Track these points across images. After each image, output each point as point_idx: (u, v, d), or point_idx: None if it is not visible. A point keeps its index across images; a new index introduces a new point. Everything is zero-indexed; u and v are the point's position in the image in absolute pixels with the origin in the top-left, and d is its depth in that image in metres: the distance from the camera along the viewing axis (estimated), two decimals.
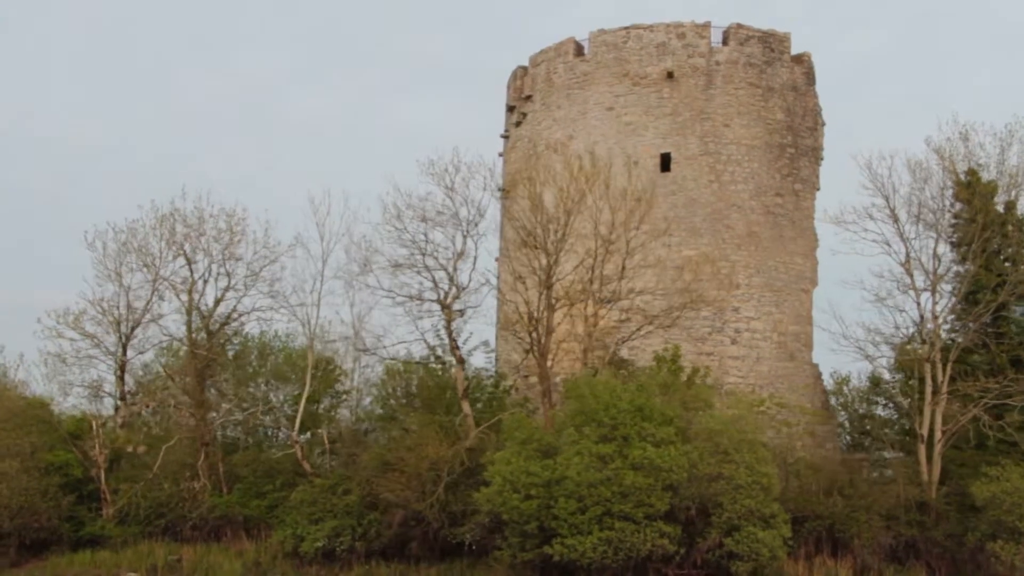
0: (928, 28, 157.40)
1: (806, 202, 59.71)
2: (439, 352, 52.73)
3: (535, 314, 49.45)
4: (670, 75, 58.96)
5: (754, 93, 59.40)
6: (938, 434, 48.40)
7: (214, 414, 54.87)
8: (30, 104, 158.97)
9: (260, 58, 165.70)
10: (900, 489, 47.18)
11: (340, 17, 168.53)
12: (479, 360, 55.91)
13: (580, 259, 49.64)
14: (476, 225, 50.50)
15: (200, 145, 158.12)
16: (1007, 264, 51.04)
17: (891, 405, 56.96)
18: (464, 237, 50.66)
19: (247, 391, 56.98)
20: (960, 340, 49.76)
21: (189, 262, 54.72)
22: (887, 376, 55.62)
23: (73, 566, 49.52)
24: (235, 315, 55.93)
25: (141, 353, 57.55)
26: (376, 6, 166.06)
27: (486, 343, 56.72)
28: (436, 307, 50.88)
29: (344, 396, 60.10)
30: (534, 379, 54.76)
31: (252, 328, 58.95)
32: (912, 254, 49.78)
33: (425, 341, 51.98)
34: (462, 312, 50.58)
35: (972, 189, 50.66)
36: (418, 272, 50.37)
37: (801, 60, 61.01)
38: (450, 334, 50.61)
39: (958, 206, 51.63)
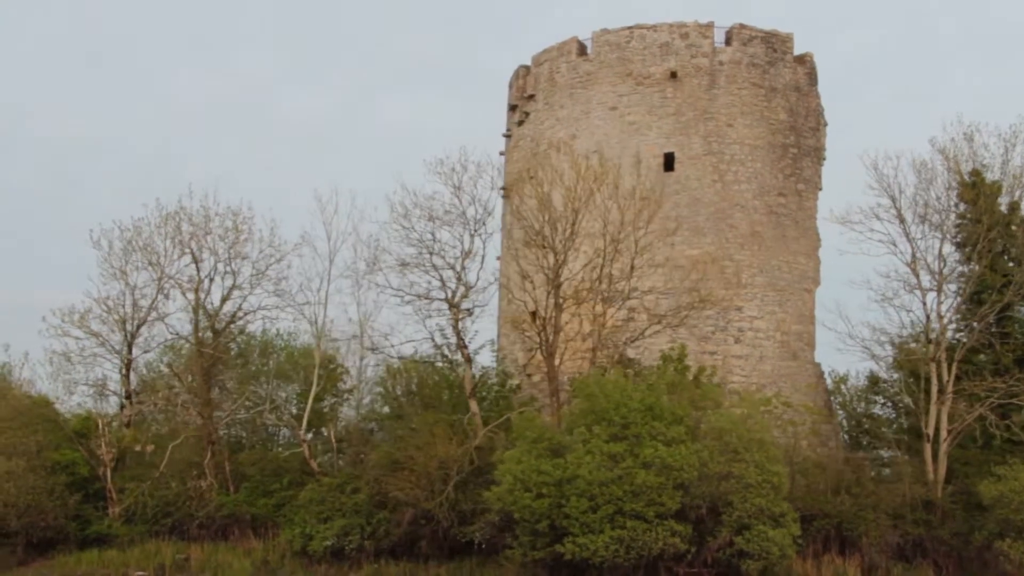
0: (918, 27, 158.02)
1: (809, 202, 59.93)
2: (445, 351, 52.79)
3: (543, 313, 49.53)
4: (673, 75, 59.14)
5: (757, 93, 59.60)
6: (944, 433, 48.65)
7: (219, 413, 54.72)
8: (28, 103, 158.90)
9: (256, 57, 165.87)
10: (906, 488, 47.41)
11: (332, 16, 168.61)
12: (483, 359, 56.10)
13: (589, 259, 49.76)
14: (484, 224, 50.57)
15: (195, 144, 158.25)
16: (1011, 264, 51.29)
17: (889, 404, 57.27)
18: (471, 236, 50.80)
19: (249, 390, 56.84)
20: (965, 340, 49.98)
21: (196, 261, 54.74)
22: (896, 375, 55.79)
23: (81, 565, 49.54)
24: (240, 313, 55.89)
25: (146, 352, 57.57)
26: (367, 4, 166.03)
27: (492, 342, 56.87)
28: (444, 306, 50.88)
29: (347, 395, 60.09)
30: (537, 378, 54.92)
31: (258, 327, 58.98)
32: (918, 254, 50.02)
33: (433, 340, 52.04)
34: (470, 311, 50.64)
35: (976, 190, 50.92)
36: (426, 271, 50.45)
37: (803, 60, 61.24)
38: (458, 333, 50.72)
39: (963, 207, 51.86)
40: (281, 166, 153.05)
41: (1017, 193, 51.69)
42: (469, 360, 50.98)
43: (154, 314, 55.79)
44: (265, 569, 47.88)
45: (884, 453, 56.45)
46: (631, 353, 52.33)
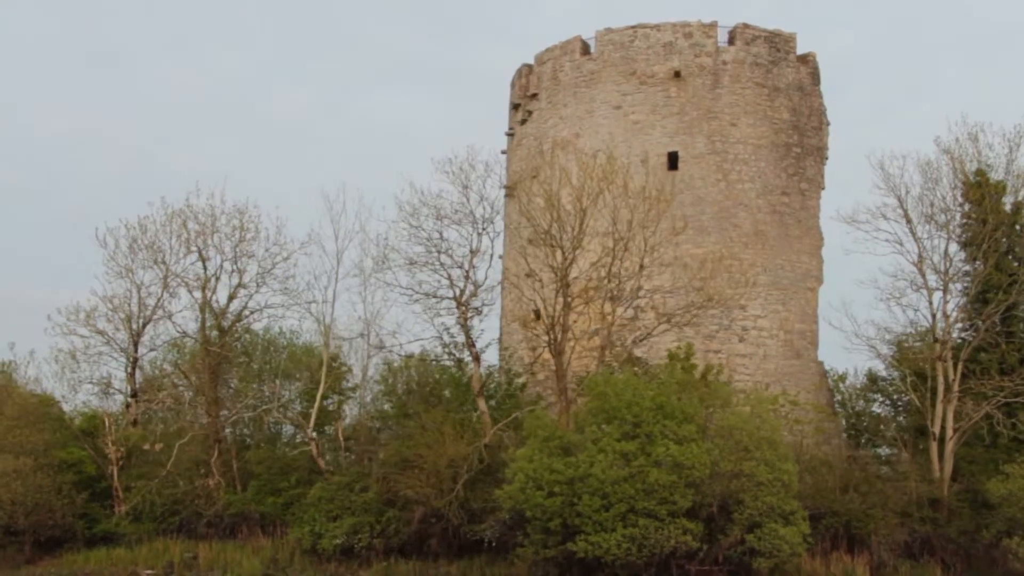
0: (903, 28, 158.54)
1: (812, 201, 60.23)
2: (453, 349, 52.83)
3: (551, 312, 49.62)
4: (677, 74, 59.35)
5: (760, 93, 59.83)
6: (950, 432, 48.92)
7: (225, 412, 54.69)
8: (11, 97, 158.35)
9: (241, 54, 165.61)
10: (913, 486, 47.66)
11: (315, 10, 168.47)
12: (488, 357, 56.15)
13: (598, 256, 49.88)
14: (492, 222, 50.66)
15: (181, 140, 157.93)
16: (1016, 264, 51.58)
17: (888, 402, 57.55)
18: (479, 235, 50.91)
19: (252, 388, 56.81)
20: (971, 339, 50.23)
21: (203, 259, 54.70)
22: (895, 373, 56.04)
23: (89, 563, 49.60)
24: (247, 312, 55.87)
25: (152, 350, 57.50)
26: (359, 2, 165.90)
27: (498, 340, 56.90)
28: (451, 304, 50.94)
29: (350, 393, 60.04)
30: (542, 376, 55.01)
31: (264, 325, 58.95)
32: (924, 254, 50.28)
33: (441, 338, 52.14)
34: (479, 310, 50.73)
35: (981, 189, 51.18)
36: (434, 270, 50.49)
37: (806, 60, 61.50)
38: (467, 331, 50.77)
39: (967, 206, 52.11)
40: (269, 162, 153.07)
41: (1022, 193, 51.94)
42: (477, 359, 51.05)
43: (160, 312, 55.72)
44: (275, 567, 47.85)
45: (882, 451, 56.79)
46: (637, 352, 52.48)
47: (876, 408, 58.39)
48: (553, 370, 53.26)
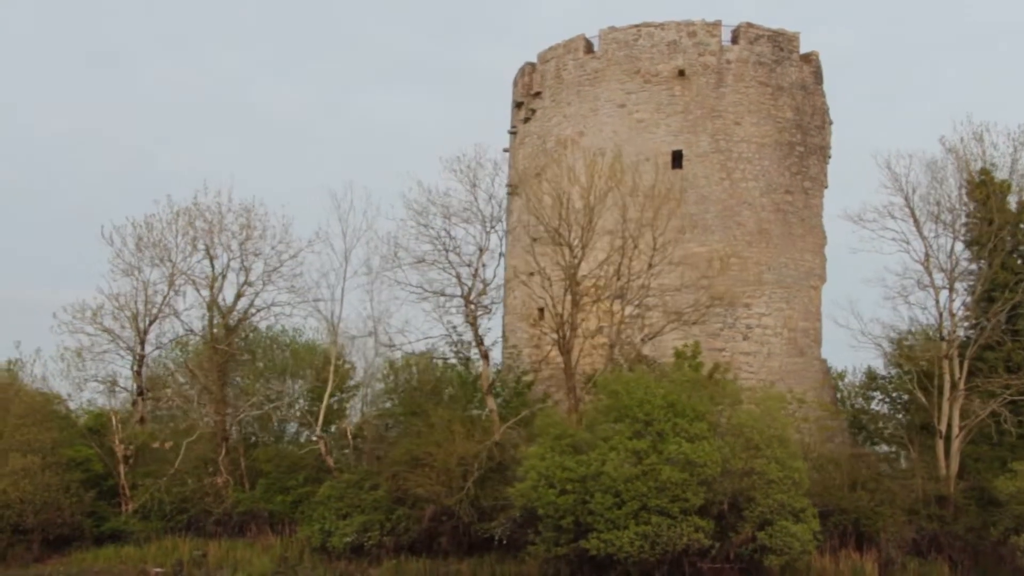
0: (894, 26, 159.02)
1: (815, 199, 60.50)
2: (460, 348, 52.95)
3: (559, 310, 49.75)
4: (681, 73, 59.53)
5: (764, 92, 60.05)
6: (956, 429, 49.22)
7: (230, 410, 54.66)
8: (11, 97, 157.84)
9: (237, 53, 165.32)
10: (920, 484, 47.92)
11: (311, 10, 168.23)
12: (493, 355, 56.14)
13: (607, 254, 50.04)
14: (500, 221, 50.70)
15: (177, 139, 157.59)
16: (1021, 263, 51.87)
17: (888, 399, 57.84)
18: (487, 233, 51.03)
19: (256, 387, 56.78)
20: (976, 338, 50.49)
21: (211, 258, 54.70)
22: (895, 371, 56.33)
23: (98, 561, 49.58)
24: (253, 310, 55.87)
25: (158, 348, 57.47)
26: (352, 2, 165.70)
27: (505, 339, 56.98)
28: (460, 302, 51.03)
29: (353, 391, 60.11)
30: (546, 373, 55.09)
31: (271, 323, 58.96)
32: (930, 252, 50.55)
33: (450, 336, 52.21)
34: (489, 308, 50.84)
35: (986, 189, 51.48)
36: (443, 269, 50.58)
37: (809, 59, 61.74)
38: (475, 330, 50.85)
39: (972, 205, 52.39)
40: (269, 162, 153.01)
41: None
42: (486, 356, 51.14)
43: (167, 310, 55.66)
44: (284, 565, 47.88)
45: (880, 449, 57.07)
46: (643, 351, 52.61)
47: (875, 406, 58.72)
48: (557, 368, 53.51)
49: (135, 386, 56.63)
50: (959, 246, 51.50)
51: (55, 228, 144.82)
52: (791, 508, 42.34)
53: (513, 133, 65.45)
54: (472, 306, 50.59)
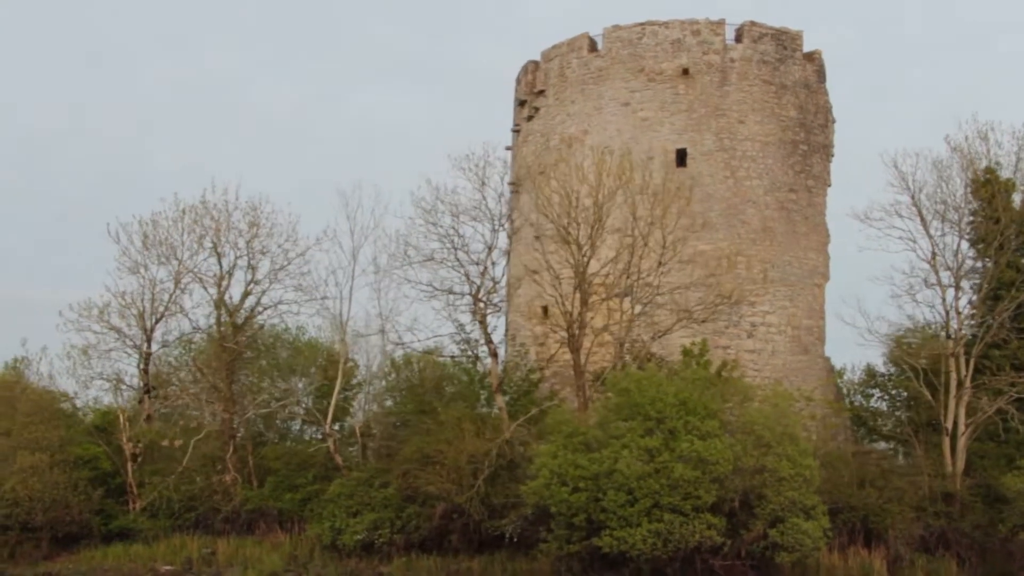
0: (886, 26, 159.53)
1: (818, 198, 60.79)
2: (468, 346, 53.05)
3: (567, 308, 49.88)
4: (685, 71, 59.76)
5: (768, 90, 60.28)
6: (962, 427, 49.50)
7: (237, 408, 54.65)
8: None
9: (228, 50, 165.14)
10: (926, 481, 48.19)
11: (322, 10, 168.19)
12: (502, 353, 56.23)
13: (616, 252, 50.20)
14: (510, 219, 50.79)
15: (186, 140, 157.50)
16: None
17: (887, 397, 58.15)
18: (494, 231, 51.13)
19: (264, 385, 56.83)
20: (981, 335, 50.78)
21: (219, 256, 54.68)
22: (894, 369, 56.60)
23: (107, 559, 49.55)
24: (260, 308, 55.89)
25: (164, 346, 57.39)
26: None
27: (513, 337, 57.09)
28: (468, 300, 51.17)
29: (357, 389, 60.15)
30: (548, 372, 55.23)
31: (277, 321, 58.95)
32: (936, 251, 50.84)
33: (459, 334, 52.32)
34: (498, 306, 50.92)
35: (991, 187, 51.78)
36: (452, 267, 50.68)
37: (812, 58, 61.99)
38: (484, 327, 50.95)
39: (977, 204, 52.67)
40: (267, 161, 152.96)
41: None
42: (495, 354, 51.25)
43: (173, 308, 55.63)
44: (294, 563, 47.96)
45: (879, 446, 57.37)
46: (653, 349, 52.77)
47: (873, 403, 59.01)
48: (563, 366, 53.69)
49: (141, 384, 56.54)
50: (964, 244, 51.83)
51: (55, 227, 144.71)
52: (802, 505, 42.45)
53: (516, 131, 65.57)
54: (481, 304, 50.66)
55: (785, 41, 61.32)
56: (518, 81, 66.24)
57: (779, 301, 58.51)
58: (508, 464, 46.82)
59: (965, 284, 51.70)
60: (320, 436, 55.03)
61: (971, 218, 52.64)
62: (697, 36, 60.33)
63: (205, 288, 54.96)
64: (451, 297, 51.25)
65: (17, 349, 68.42)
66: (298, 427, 59.54)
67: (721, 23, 60.59)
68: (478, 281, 50.65)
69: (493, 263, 50.66)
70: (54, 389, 57.11)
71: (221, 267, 55.06)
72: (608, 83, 60.99)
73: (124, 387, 57.35)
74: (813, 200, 60.53)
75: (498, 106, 68.15)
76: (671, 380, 44.47)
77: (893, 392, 57.14)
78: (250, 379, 56.55)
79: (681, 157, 59.01)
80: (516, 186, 61.83)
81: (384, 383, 58.21)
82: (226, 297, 55.25)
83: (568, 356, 51.51)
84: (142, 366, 56.28)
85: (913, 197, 51.15)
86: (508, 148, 65.45)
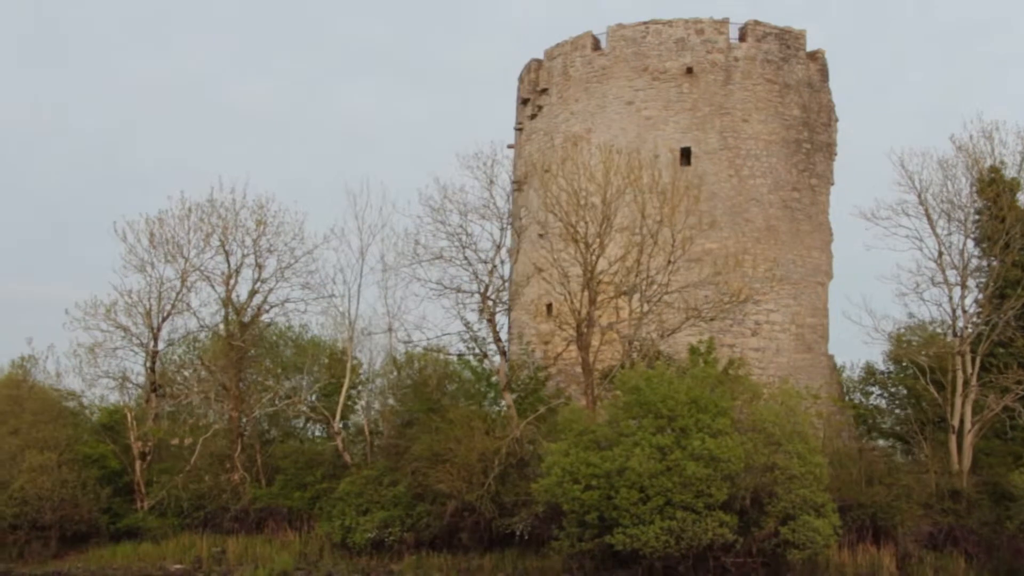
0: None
1: (822, 196, 61.01)
2: (476, 344, 53.07)
3: (576, 306, 49.98)
4: (689, 70, 59.96)
5: (771, 89, 60.49)
6: (968, 425, 49.76)
7: (245, 406, 54.63)
8: None
9: (204, 44, 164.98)
10: (933, 478, 48.42)
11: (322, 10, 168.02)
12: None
13: (625, 251, 50.31)
14: (519, 218, 50.87)
15: (150, 129, 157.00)
16: None
17: (886, 394, 58.41)
18: (502, 230, 51.22)
19: (269, 383, 56.81)
20: (987, 334, 50.98)
21: (227, 254, 54.62)
22: (893, 367, 56.84)
23: (116, 558, 49.58)
24: (266, 306, 55.84)
25: (171, 344, 57.35)
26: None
27: (519, 335, 57.13)
28: (477, 298, 51.19)
29: (362, 387, 60.15)
30: (553, 370, 55.32)
31: (285, 320, 59.01)
32: (943, 250, 51.06)
33: (468, 332, 52.33)
34: (506, 304, 50.95)
35: (996, 186, 52.02)
36: (460, 266, 50.76)
37: (815, 57, 62.21)
38: (492, 326, 51.01)
39: (982, 203, 52.90)
40: (265, 160, 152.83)
41: None
42: (503, 353, 51.34)
43: (180, 306, 55.59)
44: (305, 561, 47.99)
45: (880, 443, 57.62)
46: (660, 347, 52.88)
47: (873, 400, 59.28)
48: (568, 364, 53.80)
49: (148, 382, 56.47)
50: (971, 243, 52.05)
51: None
52: (812, 503, 42.63)
53: (519, 129, 65.69)
54: (490, 302, 50.74)
55: (788, 40, 61.53)
56: (521, 79, 66.35)
57: (783, 299, 58.73)
58: (518, 462, 46.94)
59: (971, 283, 51.91)
60: (325, 434, 54.98)
61: (977, 217, 52.84)
62: (701, 35, 60.50)
63: (212, 286, 55.08)
64: (459, 296, 51.27)
65: (23, 348, 68.36)
66: (302, 424, 59.50)
67: (725, 22, 60.79)
68: (486, 279, 50.74)
69: (502, 261, 50.73)
70: (61, 388, 56.96)
71: (229, 265, 55.04)
72: (612, 81, 61.16)
73: (130, 385, 57.18)
74: (816, 199, 60.75)
75: (502, 105, 68.12)
76: (681, 378, 44.58)
77: (892, 389, 57.34)
78: (256, 377, 56.46)
79: (686, 156, 59.21)
80: (519, 184, 61.90)
81: (385, 381, 58.20)
82: (233, 295, 55.17)
83: (574, 354, 51.67)
84: (148, 364, 56.17)
85: (919, 196, 51.39)
86: (510, 146, 65.51)
